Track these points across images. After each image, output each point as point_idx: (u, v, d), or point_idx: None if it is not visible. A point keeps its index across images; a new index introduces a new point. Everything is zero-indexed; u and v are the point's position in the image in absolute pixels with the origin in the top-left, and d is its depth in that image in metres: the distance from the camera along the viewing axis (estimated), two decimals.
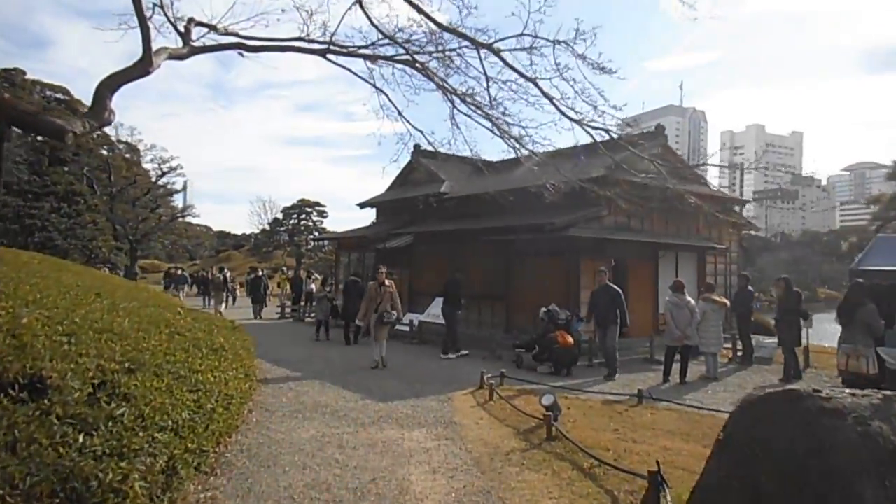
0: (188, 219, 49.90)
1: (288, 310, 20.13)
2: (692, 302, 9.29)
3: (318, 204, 52.44)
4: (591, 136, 8.26)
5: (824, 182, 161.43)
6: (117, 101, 5.91)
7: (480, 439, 5.80)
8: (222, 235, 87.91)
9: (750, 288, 11.69)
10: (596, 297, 10.16)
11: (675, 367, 9.37)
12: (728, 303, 10.07)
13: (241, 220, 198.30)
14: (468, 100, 8.34)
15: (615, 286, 10.16)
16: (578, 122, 7.96)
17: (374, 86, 8.67)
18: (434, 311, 13.13)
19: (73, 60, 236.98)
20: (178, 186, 35.62)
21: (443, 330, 12.78)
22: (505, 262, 14.09)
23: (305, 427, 6.05)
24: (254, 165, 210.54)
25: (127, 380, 3.77)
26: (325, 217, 52.27)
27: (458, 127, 8.71)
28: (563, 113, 7.95)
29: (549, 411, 5.88)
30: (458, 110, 8.49)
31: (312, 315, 19.39)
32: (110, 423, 3.19)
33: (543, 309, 10.69)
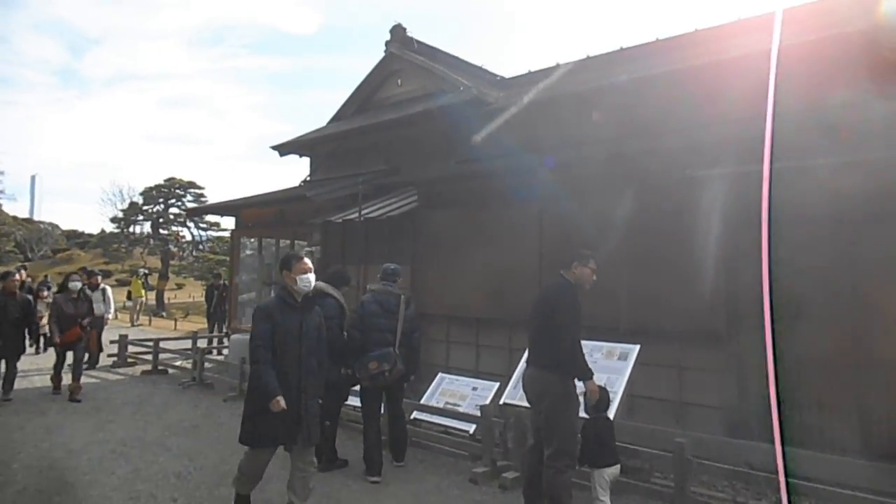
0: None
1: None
2: None
3: (193, 185, 39.41)
4: None
5: None
6: None
7: None
8: (73, 235, 73.23)
9: None
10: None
11: None
12: None
13: (96, 219, 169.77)
14: None
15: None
16: None
17: None
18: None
19: None
20: None
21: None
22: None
23: None
24: (114, 161, 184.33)
25: None
26: (205, 201, 39.46)
27: None
28: None
29: None
30: None
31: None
32: None
33: None
